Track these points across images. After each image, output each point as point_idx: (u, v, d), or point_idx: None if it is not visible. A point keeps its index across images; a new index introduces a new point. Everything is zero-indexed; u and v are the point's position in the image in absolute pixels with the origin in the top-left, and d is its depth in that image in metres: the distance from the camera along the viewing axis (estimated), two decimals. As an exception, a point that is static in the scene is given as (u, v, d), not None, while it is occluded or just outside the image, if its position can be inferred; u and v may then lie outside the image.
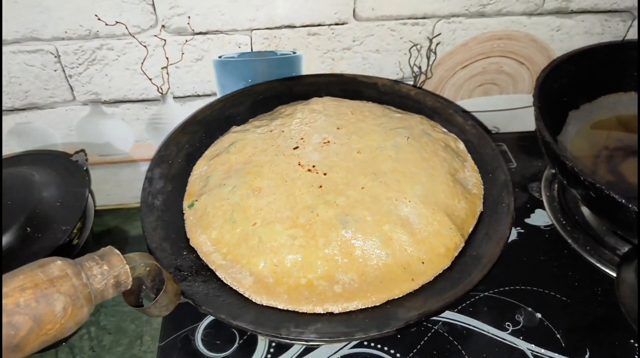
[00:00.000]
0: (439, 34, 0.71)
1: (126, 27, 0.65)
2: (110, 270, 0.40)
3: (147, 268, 0.44)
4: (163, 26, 0.66)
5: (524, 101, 0.80)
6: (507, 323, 0.55)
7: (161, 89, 0.72)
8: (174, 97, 0.73)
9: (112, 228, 0.80)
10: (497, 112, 0.81)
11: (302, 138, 0.58)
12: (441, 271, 0.50)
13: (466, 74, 0.75)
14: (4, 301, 0.34)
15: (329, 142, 0.57)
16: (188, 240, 0.53)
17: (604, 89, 0.69)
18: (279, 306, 0.47)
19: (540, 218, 0.65)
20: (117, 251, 0.41)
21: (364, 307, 0.47)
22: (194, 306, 0.47)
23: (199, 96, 0.73)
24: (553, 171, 0.70)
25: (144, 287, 0.46)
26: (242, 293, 0.48)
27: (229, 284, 0.49)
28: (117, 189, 0.83)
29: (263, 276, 0.49)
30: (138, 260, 0.43)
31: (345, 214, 0.51)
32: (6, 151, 0.75)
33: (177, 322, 0.55)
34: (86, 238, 0.60)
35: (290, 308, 0.47)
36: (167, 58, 0.69)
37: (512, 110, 0.81)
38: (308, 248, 0.49)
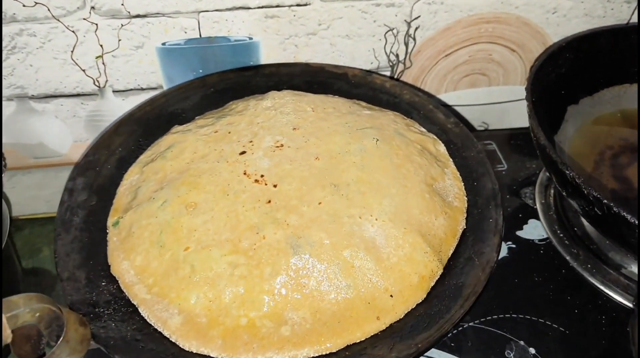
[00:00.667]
0: (418, 16, 0.61)
1: (48, 9, 0.55)
2: (-23, 322, 0.31)
3: (37, 314, 0.34)
4: (92, 8, 0.56)
5: (515, 93, 0.71)
6: (495, 360, 0.46)
7: (98, 81, 0.62)
8: (114, 91, 0.63)
9: (51, 240, 0.70)
10: (485, 106, 0.71)
11: (250, 141, 0.48)
12: (414, 306, 0.41)
13: (450, 64, 0.66)
14: None
15: (282, 146, 0.47)
16: (109, 266, 0.44)
17: (607, 80, 0.60)
18: (212, 355, 0.38)
19: (534, 230, 0.56)
20: (-9, 296, 0.32)
21: (316, 355, 0.38)
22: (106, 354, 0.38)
23: (142, 89, 0.64)
24: (549, 174, 0.61)
25: (44, 335, 0.36)
26: (167, 336, 0.39)
27: (152, 324, 0.40)
28: (57, 195, 0.72)
29: (194, 315, 0.39)
30: (22, 305, 0.33)
31: (297, 236, 0.41)
32: None
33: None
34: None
35: (225, 356, 0.38)
36: (101, 46, 0.59)
37: (502, 104, 0.71)
38: (251, 278, 0.40)
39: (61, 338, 0.35)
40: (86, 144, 0.68)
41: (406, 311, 0.40)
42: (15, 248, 0.59)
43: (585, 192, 0.39)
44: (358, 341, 0.39)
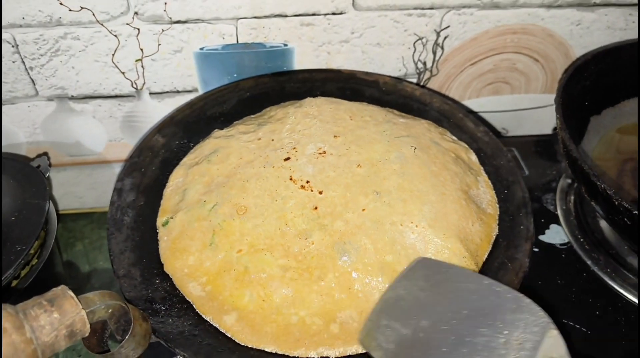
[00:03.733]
0: (448, 26, 0.63)
1: (93, 14, 0.57)
2: (61, 318, 0.33)
3: (110, 310, 0.37)
4: (136, 13, 0.58)
5: (536, 101, 0.73)
6: (521, 358, 0.49)
7: (136, 83, 0.64)
8: (151, 93, 0.65)
9: (85, 235, 0.73)
10: (506, 112, 0.74)
11: (294, 148, 0.50)
12: None
13: (475, 72, 0.68)
14: None
15: (324, 153, 0.50)
16: (162, 264, 0.46)
17: (628, 92, 0.62)
18: (267, 349, 0.41)
19: (556, 234, 0.59)
20: (71, 294, 0.34)
21: (364, 352, 0.40)
22: (167, 348, 0.41)
23: (178, 91, 0.66)
24: (569, 181, 0.63)
25: (108, 328, 0.39)
26: (223, 332, 0.42)
27: (208, 320, 0.42)
28: (90, 192, 0.75)
29: (248, 312, 0.42)
30: (97, 302, 0.36)
31: (343, 242, 0.44)
32: (-38, 150, 0.67)
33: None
34: (47, 256, 0.52)
35: (279, 352, 0.40)
36: (141, 49, 0.61)
37: (523, 111, 0.74)
38: (301, 280, 0.43)
39: (129, 332, 0.38)
40: (121, 144, 0.70)
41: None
42: (59, 243, 0.61)
43: (616, 203, 0.42)
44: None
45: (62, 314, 0.33)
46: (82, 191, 0.75)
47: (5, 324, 0.31)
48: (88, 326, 0.35)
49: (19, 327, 0.31)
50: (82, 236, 0.73)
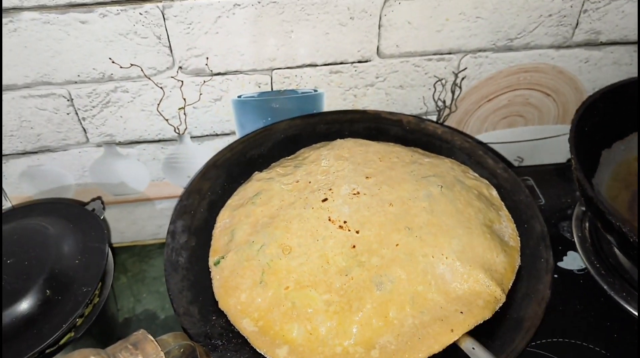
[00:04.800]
0: (465, 68, 0.68)
1: (141, 70, 0.63)
2: (144, 359, 0.38)
3: (182, 350, 0.42)
4: (180, 67, 0.63)
5: (549, 131, 0.78)
6: (546, 380, 0.53)
7: (178, 129, 0.69)
8: (192, 137, 0.71)
9: (127, 268, 0.78)
10: (521, 143, 0.79)
11: (330, 189, 0.55)
12: (481, 322, 0.47)
13: (491, 107, 0.73)
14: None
15: (358, 193, 0.55)
16: (217, 302, 0.51)
17: (635, 124, 0.67)
18: (317, 379, 0.45)
19: (574, 261, 0.63)
20: (151, 337, 0.39)
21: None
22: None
23: (217, 135, 0.71)
24: (584, 208, 0.68)
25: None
26: (276, 364, 0.46)
27: (263, 354, 0.47)
28: (132, 227, 0.80)
29: (297, 345, 0.47)
30: (172, 343, 0.41)
31: (379, 275, 0.49)
32: (17, 194, 0.73)
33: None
34: (107, 295, 0.58)
35: (328, 380, 0.45)
36: (184, 99, 0.67)
37: (537, 141, 0.78)
38: (342, 313, 0.47)
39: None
40: (162, 183, 0.75)
41: (475, 324, 0.47)
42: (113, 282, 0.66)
43: (631, 240, 0.46)
44: (436, 352, 0.46)
45: (145, 356, 0.38)
46: (124, 226, 0.80)
47: (100, 366, 0.36)
48: (165, 366, 0.39)
49: (112, 367, 0.36)
50: (124, 270, 0.78)
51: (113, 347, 0.38)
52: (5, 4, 0.56)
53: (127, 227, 0.80)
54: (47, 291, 0.52)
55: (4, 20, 0.57)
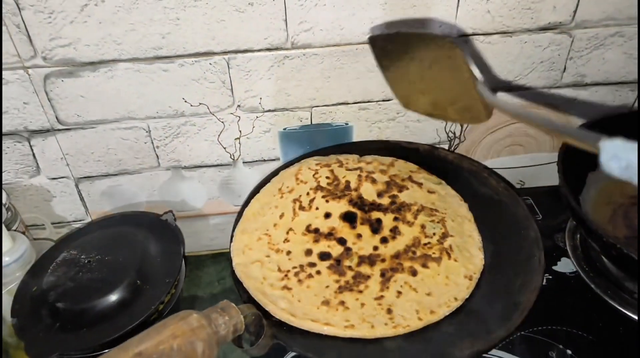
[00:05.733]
0: (471, 105, 0.82)
1: (208, 108, 0.78)
2: (230, 320, 0.51)
3: (253, 317, 0.54)
4: (238, 106, 0.78)
5: (546, 158, 0.90)
6: (542, 359, 0.64)
7: (233, 156, 0.84)
8: (244, 162, 0.85)
9: (187, 274, 0.91)
10: (521, 168, 0.91)
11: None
12: (486, 305, 0.61)
13: (495, 138, 0.87)
14: (162, 347, 0.45)
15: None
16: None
17: (617, 151, 0.79)
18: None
19: (566, 265, 0.75)
20: (234, 305, 0.52)
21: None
22: (283, 346, 0.58)
23: (264, 160, 0.85)
24: (575, 222, 0.80)
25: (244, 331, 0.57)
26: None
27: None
28: (188, 239, 0.94)
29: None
30: (247, 311, 0.54)
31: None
32: (97, 209, 0.87)
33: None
34: (181, 288, 0.71)
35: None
36: (240, 131, 0.81)
37: (535, 166, 0.91)
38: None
39: (263, 334, 0.55)
40: (217, 201, 0.89)
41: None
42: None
43: (605, 240, 0.59)
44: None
45: (230, 317, 0.51)
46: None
47: (202, 321, 0.49)
48: (244, 326, 0.52)
49: (209, 323, 0.49)
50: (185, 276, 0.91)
51: (207, 311, 0.51)
52: (106, 57, 0.72)
53: (184, 239, 0.94)
54: (138, 281, 0.66)
55: (104, 69, 0.73)
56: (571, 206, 0.65)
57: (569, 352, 0.65)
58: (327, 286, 0.62)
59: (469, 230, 0.70)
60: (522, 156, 0.90)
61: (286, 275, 0.63)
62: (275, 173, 0.79)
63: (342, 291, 0.62)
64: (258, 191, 0.77)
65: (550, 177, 0.92)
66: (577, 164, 0.74)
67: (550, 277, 0.73)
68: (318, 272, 0.64)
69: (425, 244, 0.67)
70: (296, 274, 0.63)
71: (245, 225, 0.71)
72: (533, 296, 0.60)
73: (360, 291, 0.62)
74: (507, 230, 0.69)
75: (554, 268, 0.75)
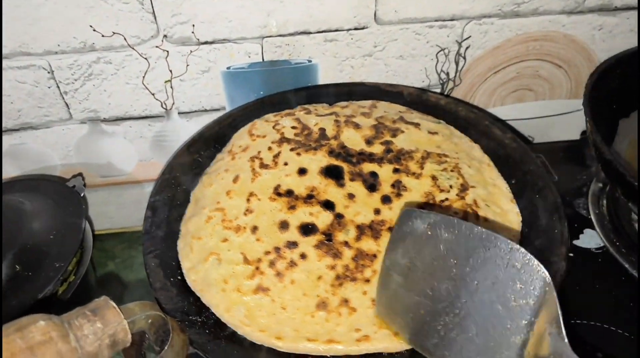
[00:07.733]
0: (469, 36, 0.64)
1: (124, 38, 0.60)
2: (104, 327, 0.34)
3: (149, 320, 0.37)
4: (165, 36, 0.60)
5: (561, 106, 0.73)
6: (563, 365, 0.48)
7: (165, 104, 0.66)
8: (179, 113, 0.67)
9: (116, 254, 0.74)
10: (532, 120, 0.74)
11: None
12: None
13: (499, 80, 0.69)
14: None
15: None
16: (196, 278, 0.47)
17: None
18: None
19: (591, 239, 0.58)
20: (113, 304, 0.35)
21: None
22: (204, 358, 0.41)
23: (206, 110, 0.67)
24: (601, 185, 0.63)
25: (146, 339, 0.39)
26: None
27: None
28: (120, 211, 0.77)
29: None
30: (138, 312, 0.36)
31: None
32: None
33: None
34: (84, 273, 0.54)
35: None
36: (170, 71, 0.63)
37: (548, 117, 0.74)
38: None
39: (167, 343, 0.38)
40: (150, 163, 0.72)
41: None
42: (93, 262, 0.62)
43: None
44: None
45: (105, 324, 0.34)
46: (113, 211, 0.76)
47: (51, 333, 0.32)
48: (129, 336, 0.35)
49: (64, 335, 0.32)
50: (113, 256, 0.75)
51: (69, 313, 0.34)
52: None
53: (115, 212, 0.77)
54: (17, 266, 0.49)
55: (-23, -15, 0.54)
56: (605, 158, 0.47)
57: (599, 355, 0.48)
58: (320, 278, 0.45)
59: (492, 177, 0.54)
60: (532, 104, 0.72)
61: (257, 268, 0.46)
62: (219, 122, 0.61)
63: (342, 282, 0.45)
64: (193, 143, 0.59)
65: (565, 130, 0.75)
66: (605, 109, 0.57)
67: (571, 255, 0.56)
68: (303, 256, 0.46)
69: (442, 201, 0.50)
70: (272, 264, 0.46)
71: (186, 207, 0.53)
72: (555, 284, 0.43)
73: (367, 281, 0.45)
74: (515, 193, 0.52)
75: (575, 243, 0.58)
